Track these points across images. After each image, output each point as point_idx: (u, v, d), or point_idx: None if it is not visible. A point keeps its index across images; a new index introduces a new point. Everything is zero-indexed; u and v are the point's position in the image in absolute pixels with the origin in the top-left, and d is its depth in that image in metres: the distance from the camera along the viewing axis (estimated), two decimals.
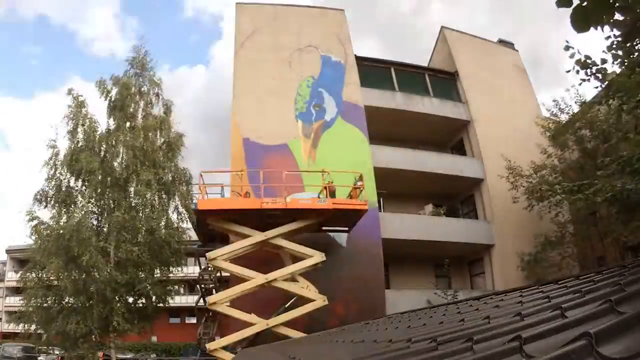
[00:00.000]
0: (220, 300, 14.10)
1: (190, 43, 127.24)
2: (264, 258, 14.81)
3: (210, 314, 15.45)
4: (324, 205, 14.21)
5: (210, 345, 13.89)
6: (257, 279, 13.81)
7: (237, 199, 15.02)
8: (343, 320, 13.48)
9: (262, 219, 14.29)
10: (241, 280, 14.12)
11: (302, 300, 14.22)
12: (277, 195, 15.28)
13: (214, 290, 16.65)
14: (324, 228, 15.57)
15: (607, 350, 1.54)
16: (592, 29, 2.97)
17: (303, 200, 14.48)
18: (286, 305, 14.51)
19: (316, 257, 14.17)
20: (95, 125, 17.55)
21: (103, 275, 15.18)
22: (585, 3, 2.82)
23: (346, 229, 16.12)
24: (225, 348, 13.76)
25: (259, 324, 13.61)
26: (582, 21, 2.86)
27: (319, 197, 14.70)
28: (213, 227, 14.96)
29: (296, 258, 14.58)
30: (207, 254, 14.28)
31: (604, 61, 6.91)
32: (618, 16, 3.39)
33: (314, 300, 13.98)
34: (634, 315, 1.82)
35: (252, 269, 14.16)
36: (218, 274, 16.60)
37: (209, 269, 15.51)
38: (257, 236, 14.19)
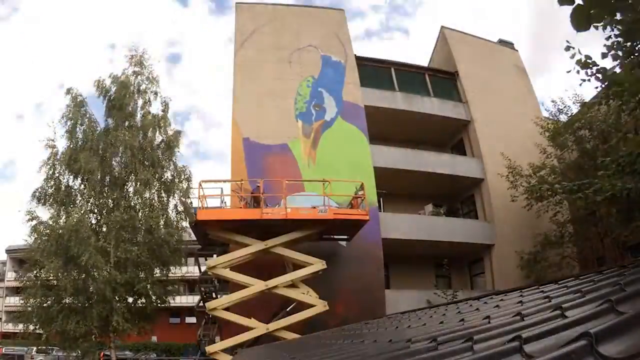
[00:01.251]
0: (219, 306, 14.02)
1: None
2: (266, 263, 14.72)
3: (210, 316, 15.42)
4: (325, 216, 14.08)
5: (210, 348, 13.85)
6: (256, 286, 13.73)
7: (237, 210, 14.88)
8: (343, 320, 13.47)
9: (263, 227, 14.19)
10: (241, 286, 14.07)
11: (303, 305, 14.18)
12: (274, 197, 15.26)
13: (214, 294, 16.64)
14: (324, 236, 15.50)
15: (607, 350, 1.54)
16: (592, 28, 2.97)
17: (304, 210, 14.33)
18: (287, 309, 14.47)
19: (317, 265, 14.10)
20: (94, 124, 17.54)
21: (102, 275, 15.16)
22: (586, 2, 2.82)
23: (347, 237, 16.09)
24: (224, 350, 13.72)
25: (259, 328, 13.57)
26: (582, 20, 2.86)
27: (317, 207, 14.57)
28: (213, 236, 14.91)
29: (297, 264, 14.51)
30: (206, 262, 14.23)
31: (604, 55, 6.90)
32: (618, 15, 3.40)
33: (314, 305, 13.95)
34: (634, 315, 1.82)
35: (253, 273, 14.10)
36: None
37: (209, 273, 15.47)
38: (257, 245, 14.09)
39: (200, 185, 14.71)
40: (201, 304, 16.73)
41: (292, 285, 14.38)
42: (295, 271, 14.25)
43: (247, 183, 16.04)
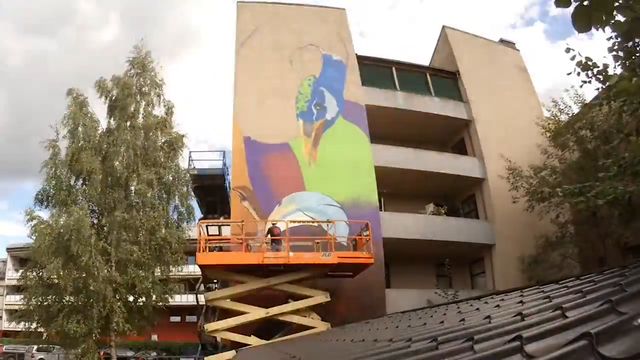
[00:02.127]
0: (220, 328, 13.83)
1: None
2: (268, 291, 14.52)
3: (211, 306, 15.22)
4: (329, 260, 13.82)
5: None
6: (257, 313, 13.60)
7: (238, 254, 14.61)
8: (343, 319, 13.48)
9: (265, 267, 13.95)
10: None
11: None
12: (275, 196, 15.20)
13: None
14: (329, 274, 15.18)
15: (608, 351, 1.54)
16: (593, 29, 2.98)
17: (307, 256, 14.04)
18: (285, 330, 14.38)
19: (320, 297, 13.98)
20: (96, 124, 17.59)
21: (103, 275, 15.18)
22: (585, 2, 2.82)
23: (350, 274, 15.69)
24: None
25: (261, 346, 13.52)
26: (583, 20, 2.86)
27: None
28: (213, 277, 14.71)
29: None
30: (205, 295, 14.08)
31: (606, 66, 6.92)
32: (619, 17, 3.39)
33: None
34: (635, 315, 1.83)
35: (254, 299, 13.99)
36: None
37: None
38: (259, 282, 13.97)
39: (199, 225, 14.53)
40: (202, 300, 16.71)
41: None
42: (297, 302, 14.05)
43: (248, 225, 15.53)
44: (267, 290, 14.28)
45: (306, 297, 14.07)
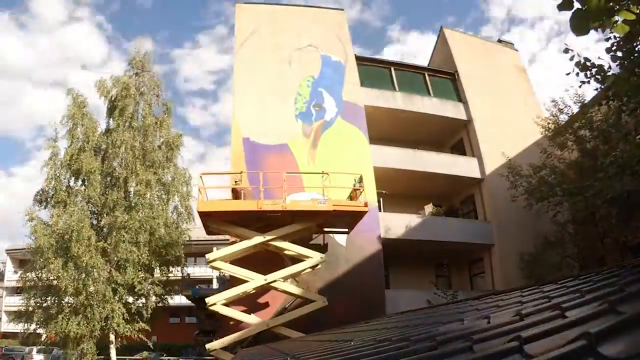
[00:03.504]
0: (219, 301, 14.04)
1: None
2: (265, 260, 14.69)
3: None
4: (324, 208, 13.98)
5: (210, 346, 13.86)
6: (256, 280, 13.70)
7: (237, 201, 14.78)
8: (343, 320, 13.46)
9: (263, 221, 14.15)
10: (241, 281, 14.08)
11: (303, 301, 14.18)
12: (276, 196, 15.25)
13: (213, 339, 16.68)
14: (324, 229, 15.45)
15: (607, 351, 1.54)
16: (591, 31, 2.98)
17: (303, 202, 14.30)
18: (286, 306, 14.47)
19: (315, 258, 14.09)
20: (95, 125, 17.60)
21: (103, 276, 15.18)
22: (585, 6, 2.82)
23: (346, 230, 16.01)
24: (225, 348, 13.74)
25: (259, 325, 13.58)
26: (581, 24, 2.86)
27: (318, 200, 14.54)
28: (213, 228, 14.90)
29: (297, 259, 14.49)
30: (206, 255, 14.17)
31: (601, 67, 6.93)
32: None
33: (313, 301, 13.96)
34: (634, 315, 1.83)
35: (253, 268, 14.07)
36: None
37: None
38: (257, 238, 14.05)
39: (200, 177, 14.70)
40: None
41: (293, 280, 14.37)
42: (295, 265, 14.19)
43: (246, 176, 15.88)
44: (265, 254, 14.34)
45: (303, 260, 14.13)
